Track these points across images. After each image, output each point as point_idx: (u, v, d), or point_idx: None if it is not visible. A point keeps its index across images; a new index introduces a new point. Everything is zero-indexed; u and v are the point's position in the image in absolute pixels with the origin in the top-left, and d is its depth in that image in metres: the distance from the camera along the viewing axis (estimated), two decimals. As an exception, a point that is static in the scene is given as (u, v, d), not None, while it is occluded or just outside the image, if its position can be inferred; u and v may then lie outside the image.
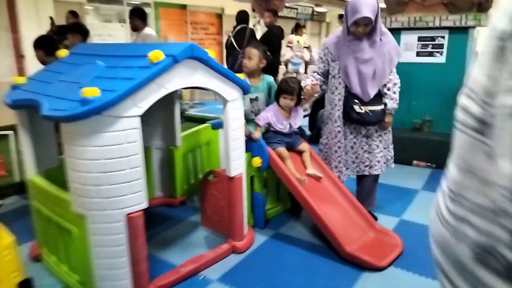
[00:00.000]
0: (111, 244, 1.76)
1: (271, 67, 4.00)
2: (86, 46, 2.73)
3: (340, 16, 11.96)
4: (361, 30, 2.27)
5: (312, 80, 2.49)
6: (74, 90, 1.73)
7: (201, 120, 4.81)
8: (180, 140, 2.92)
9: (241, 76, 2.24)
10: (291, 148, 2.61)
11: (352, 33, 2.32)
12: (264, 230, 2.58)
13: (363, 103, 2.38)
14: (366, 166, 2.54)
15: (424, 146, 3.83)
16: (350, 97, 2.41)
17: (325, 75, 2.55)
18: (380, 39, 2.33)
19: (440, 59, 3.79)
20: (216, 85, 2.02)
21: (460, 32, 3.66)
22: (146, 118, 2.11)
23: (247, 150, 2.40)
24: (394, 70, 2.42)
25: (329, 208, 2.41)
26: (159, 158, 2.95)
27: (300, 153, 2.64)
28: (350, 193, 2.52)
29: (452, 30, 3.67)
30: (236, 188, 2.25)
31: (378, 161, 2.53)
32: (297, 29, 8.45)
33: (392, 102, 2.43)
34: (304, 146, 2.64)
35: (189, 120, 4.86)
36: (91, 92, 1.59)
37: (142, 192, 1.76)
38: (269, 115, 2.53)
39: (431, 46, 3.80)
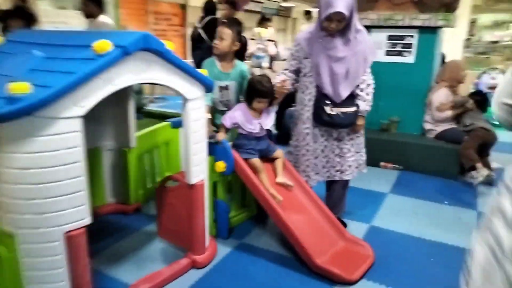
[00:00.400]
0: (47, 267, 1.49)
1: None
2: (25, 33, 2.39)
3: (307, 12, 11.86)
4: (334, 26, 2.11)
5: (282, 77, 2.31)
6: (2, 85, 1.44)
7: (162, 116, 4.50)
8: (134, 141, 2.64)
9: (204, 72, 2.01)
10: (265, 155, 2.39)
11: (325, 28, 2.15)
12: (227, 240, 2.37)
13: (334, 104, 2.23)
14: (337, 171, 2.40)
15: (391, 147, 3.76)
16: (321, 97, 2.25)
17: (297, 73, 2.37)
18: (355, 37, 2.18)
19: (409, 58, 3.72)
20: (174, 81, 1.78)
21: (429, 32, 3.61)
22: (95, 115, 1.85)
23: (209, 153, 2.18)
24: (368, 70, 2.28)
25: (298, 217, 2.24)
26: (110, 160, 2.66)
27: (271, 159, 2.44)
28: (320, 200, 2.36)
29: (421, 29, 3.61)
30: (197, 196, 2.02)
31: (350, 166, 2.39)
32: (262, 21, 8.22)
33: (365, 104, 2.29)
34: (278, 153, 2.43)
35: (149, 116, 4.54)
36: (20, 88, 1.32)
37: (85, 206, 1.51)
38: (237, 115, 2.30)
39: (400, 45, 3.73)
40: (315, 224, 2.27)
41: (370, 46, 2.25)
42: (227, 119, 2.31)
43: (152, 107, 5.46)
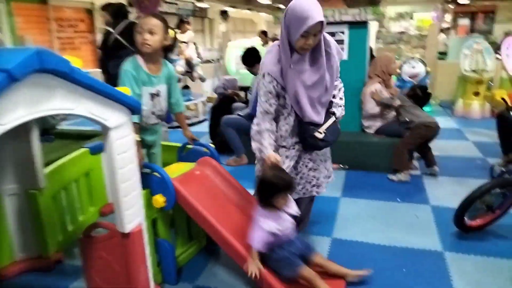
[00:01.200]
0: None
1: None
2: None
3: (223, 12, 11.62)
4: (311, 42, 1.79)
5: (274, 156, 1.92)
6: None
7: (77, 137, 3.94)
8: (43, 180, 2.13)
9: (126, 90, 1.62)
10: (305, 258, 1.89)
11: (300, 49, 1.83)
12: (177, 286, 1.99)
13: (318, 125, 1.98)
14: (314, 185, 2.16)
15: (335, 146, 3.61)
16: (305, 125, 1.97)
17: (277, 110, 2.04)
18: (326, 51, 1.89)
19: (342, 55, 3.61)
20: (89, 108, 1.36)
21: (359, 27, 3.54)
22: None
23: (144, 186, 1.78)
24: (338, 74, 2.07)
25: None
26: (16, 207, 2.11)
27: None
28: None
29: (351, 25, 3.52)
30: (135, 245, 1.62)
31: (325, 177, 2.21)
32: (180, 24, 7.76)
33: (341, 109, 2.09)
34: (318, 256, 1.95)
35: (62, 137, 3.95)
36: None
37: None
38: (266, 226, 1.78)
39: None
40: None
41: (338, 50, 2.00)
42: (258, 242, 1.79)
43: (64, 126, 4.75)
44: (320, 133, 1.96)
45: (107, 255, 1.69)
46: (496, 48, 6.25)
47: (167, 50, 2.24)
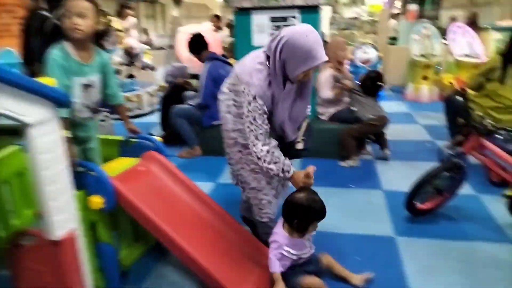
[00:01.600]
0: None
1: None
2: None
3: (176, -2, 11.16)
4: (311, 74, 1.77)
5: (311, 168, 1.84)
6: None
7: (14, 132, 3.62)
8: (-35, 183, 1.90)
9: (51, 81, 1.44)
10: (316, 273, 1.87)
11: (297, 82, 1.78)
12: (122, 291, 1.86)
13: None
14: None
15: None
16: (285, 145, 1.92)
17: None
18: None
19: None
20: (2, 103, 1.19)
21: (311, 12, 3.46)
22: None
23: (79, 186, 1.62)
24: None
25: (209, 246, 1.84)
26: None
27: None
28: (238, 223, 2.01)
29: (303, 9, 3.44)
30: (67, 254, 1.47)
31: None
32: (120, 10, 7.20)
33: (309, 112, 2.04)
34: (326, 257, 1.94)
35: (-1, 133, 3.62)
36: None
37: None
38: (288, 254, 1.77)
39: (283, 27, 3.51)
40: (231, 249, 1.91)
41: None
42: (277, 266, 1.76)
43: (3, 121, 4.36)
44: (299, 142, 1.95)
45: (37, 265, 1.53)
46: (443, 33, 6.46)
47: (100, 38, 2.03)
